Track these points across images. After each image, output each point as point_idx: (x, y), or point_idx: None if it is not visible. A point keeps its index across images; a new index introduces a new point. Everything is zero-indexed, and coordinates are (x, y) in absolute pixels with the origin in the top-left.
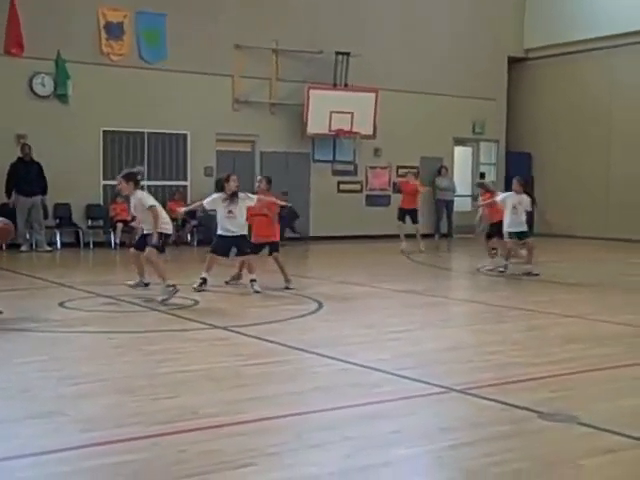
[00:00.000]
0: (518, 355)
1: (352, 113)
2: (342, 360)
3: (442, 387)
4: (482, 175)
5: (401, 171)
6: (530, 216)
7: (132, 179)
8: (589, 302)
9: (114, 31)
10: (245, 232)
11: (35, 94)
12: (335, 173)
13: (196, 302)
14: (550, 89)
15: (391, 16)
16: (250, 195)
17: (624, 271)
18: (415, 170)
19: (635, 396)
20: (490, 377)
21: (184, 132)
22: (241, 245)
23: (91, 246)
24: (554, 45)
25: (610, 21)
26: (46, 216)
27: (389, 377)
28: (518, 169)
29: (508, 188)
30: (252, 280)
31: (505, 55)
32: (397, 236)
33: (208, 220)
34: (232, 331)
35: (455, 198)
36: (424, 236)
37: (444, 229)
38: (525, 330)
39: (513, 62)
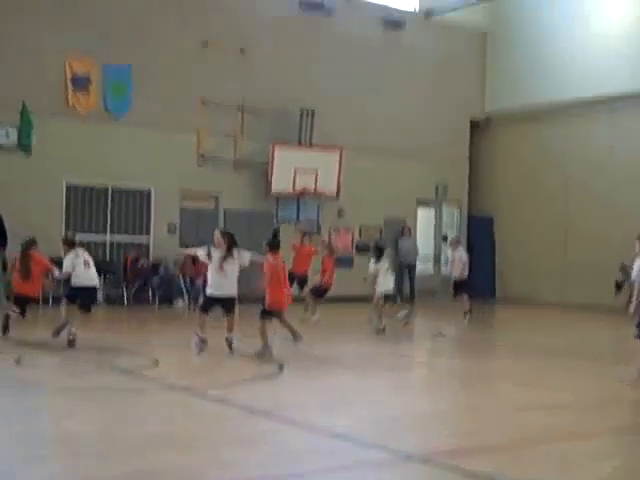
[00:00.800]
0: (480, 422)
1: (316, 172)
2: (303, 424)
3: (403, 454)
4: (445, 238)
5: (363, 232)
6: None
7: (65, 242)
8: (547, 369)
9: (80, 83)
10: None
11: None
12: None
13: (157, 361)
14: (511, 153)
15: (357, 77)
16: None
17: (586, 337)
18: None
19: (589, 467)
20: (452, 444)
21: (148, 187)
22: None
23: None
24: (513, 110)
25: (567, 88)
26: (5, 268)
27: (350, 443)
28: (480, 232)
29: (470, 251)
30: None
31: (467, 119)
32: (363, 299)
33: (169, 278)
34: (191, 392)
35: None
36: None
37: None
38: (487, 396)
39: (475, 126)
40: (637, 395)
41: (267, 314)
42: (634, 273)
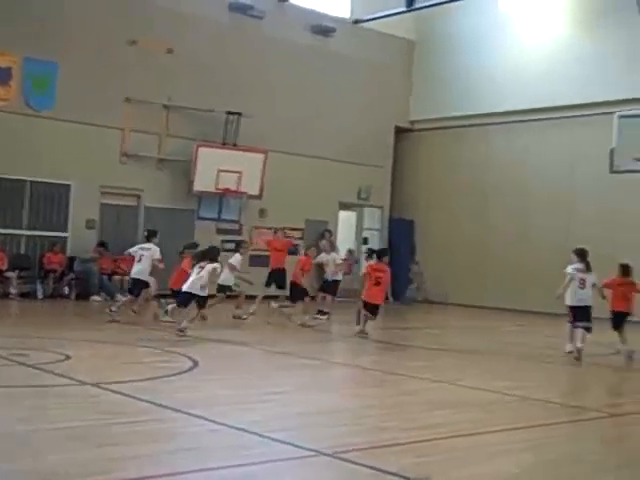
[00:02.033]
0: (388, 420)
1: (240, 173)
2: (213, 421)
3: (311, 450)
4: (365, 240)
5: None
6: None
7: None
8: (460, 368)
9: (1, 76)
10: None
11: None
12: (219, 232)
13: (68, 357)
14: (433, 159)
15: (284, 81)
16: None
17: (499, 339)
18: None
19: (492, 462)
20: (360, 441)
21: (67, 183)
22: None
23: None
24: (437, 119)
25: (487, 101)
26: None
27: (259, 439)
28: (401, 235)
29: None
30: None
31: (392, 125)
32: (274, 297)
33: (86, 274)
34: (102, 388)
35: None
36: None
37: None
38: (397, 395)
39: (400, 132)
40: (543, 394)
41: None
42: (568, 270)
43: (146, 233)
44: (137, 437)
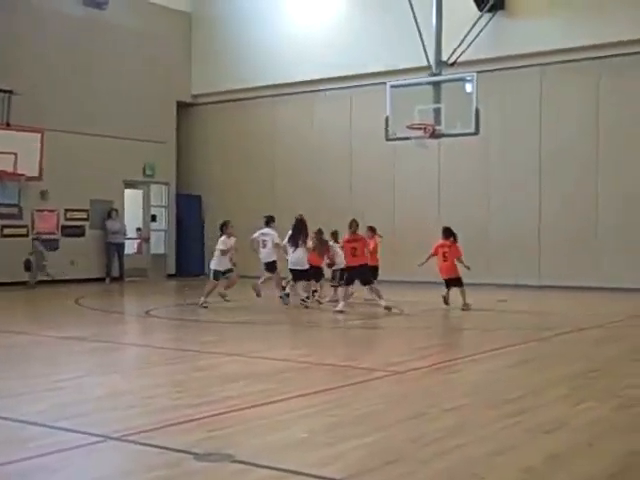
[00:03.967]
0: (179, 397)
1: (16, 154)
2: None
3: (100, 436)
4: (154, 217)
5: (69, 214)
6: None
7: None
8: (253, 340)
9: None
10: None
11: None
12: None
13: None
14: (218, 134)
15: (58, 56)
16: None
17: (298, 309)
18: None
19: (283, 430)
20: (150, 422)
21: None
22: None
23: None
24: (220, 92)
25: (272, 72)
26: None
27: (45, 430)
28: (189, 211)
29: (180, 230)
30: None
31: (174, 100)
32: (66, 281)
33: None
34: None
35: (126, 241)
36: (96, 280)
37: (115, 272)
38: (189, 371)
39: (182, 106)
40: (333, 359)
41: None
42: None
43: (265, 219)
44: None
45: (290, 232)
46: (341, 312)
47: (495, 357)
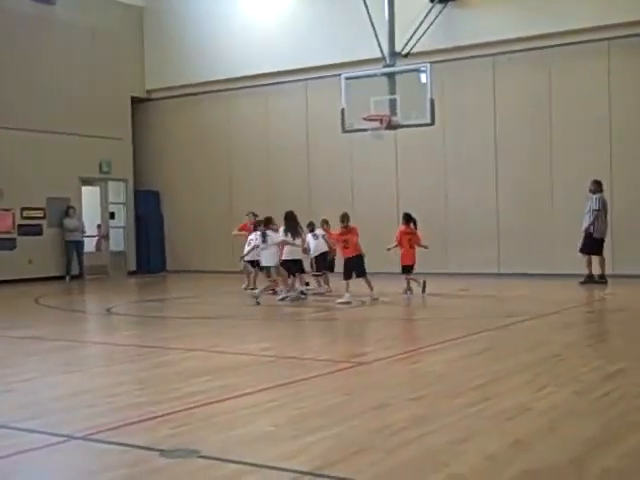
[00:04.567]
0: (141, 395)
1: None
2: None
3: (63, 436)
4: (112, 215)
5: (25, 213)
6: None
7: None
8: (215, 335)
9: None
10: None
11: None
12: None
13: None
14: (175, 129)
15: (8, 54)
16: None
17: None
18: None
19: (248, 424)
20: (113, 420)
21: None
22: None
23: None
24: (175, 87)
25: (227, 66)
26: None
27: (4, 432)
28: (147, 207)
29: (139, 226)
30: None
31: (128, 95)
32: (23, 280)
33: None
34: None
35: (85, 239)
36: (56, 278)
37: (75, 271)
38: (151, 368)
39: (137, 102)
40: (295, 351)
41: None
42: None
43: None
44: None
45: (283, 227)
46: (347, 303)
47: (457, 346)
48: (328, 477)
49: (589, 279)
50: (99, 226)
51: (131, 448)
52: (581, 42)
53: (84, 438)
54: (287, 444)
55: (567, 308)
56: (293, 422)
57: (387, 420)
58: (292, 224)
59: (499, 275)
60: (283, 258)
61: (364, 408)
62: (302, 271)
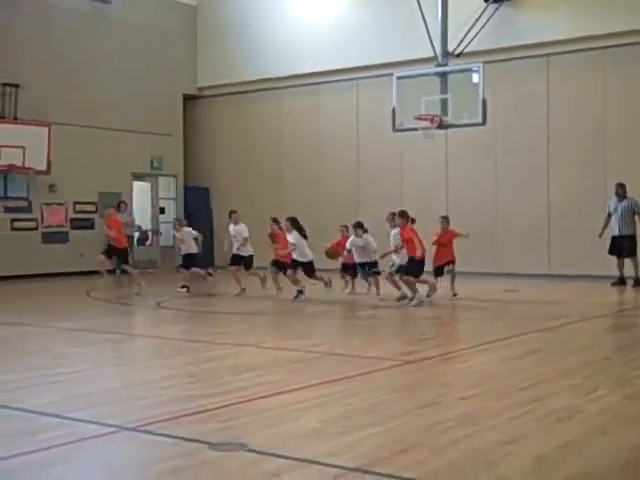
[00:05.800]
0: (192, 388)
1: (23, 148)
2: (4, 406)
3: (114, 427)
4: (162, 210)
5: (78, 207)
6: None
7: None
8: (264, 330)
9: None
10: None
11: None
12: (7, 210)
13: None
14: (225, 126)
15: (66, 51)
16: None
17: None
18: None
19: (296, 419)
20: (163, 412)
21: None
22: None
23: None
24: (226, 85)
25: (278, 64)
26: None
27: (57, 421)
28: (197, 203)
29: (188, 222)
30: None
31: (180, 93)
32: (75, 273)
33: None
34: None
35: (135, 233)
36: (107, 272)
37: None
38: (201, 362)
39: (188, 99)
40: (342, 348)
41: None
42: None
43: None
44: None
45: (295, 232)
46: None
47: (505, 347)
48: (375, 474)
49: (620, 281)
50: (139, 227)
51: (181, 440)
52: (637, 43)
53: (135, 429)
54: (334, 440)
55: (617, 311)
56: (341, 418)
57: (435, 419)
58: (300, 228)
59: (549, 276)
60: (295, 258)
61: (412, 406)
62: (313, 272)
